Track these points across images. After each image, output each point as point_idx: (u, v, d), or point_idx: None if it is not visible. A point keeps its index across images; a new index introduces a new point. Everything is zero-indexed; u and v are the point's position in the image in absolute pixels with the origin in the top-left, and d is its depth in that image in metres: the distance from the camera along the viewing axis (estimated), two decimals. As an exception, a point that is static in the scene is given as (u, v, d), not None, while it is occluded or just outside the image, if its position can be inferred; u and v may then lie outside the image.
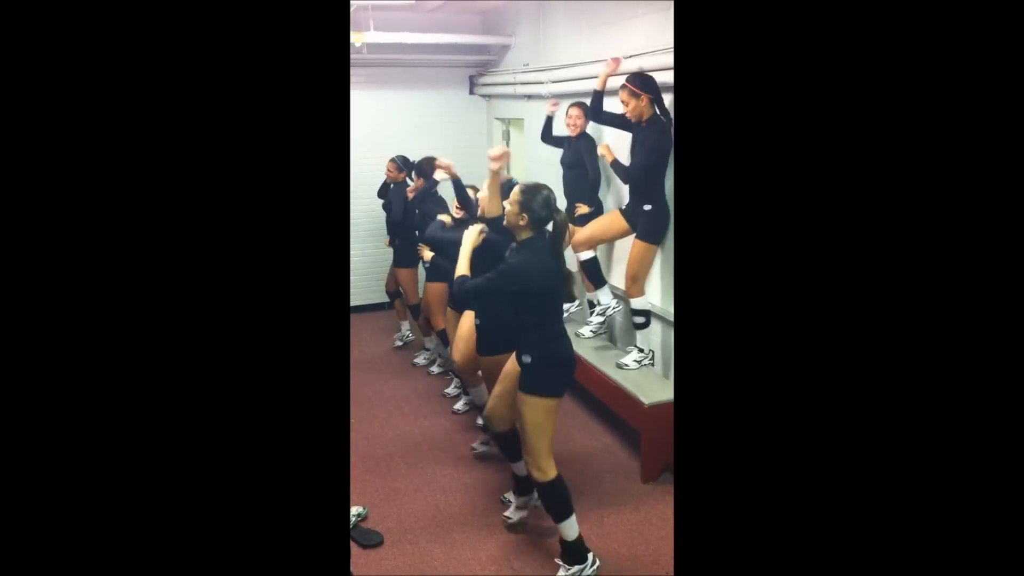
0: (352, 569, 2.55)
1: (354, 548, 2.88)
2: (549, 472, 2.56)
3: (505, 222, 2.56)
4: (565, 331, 2.63)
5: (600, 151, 3.69)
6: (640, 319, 3.66)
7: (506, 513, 3.08)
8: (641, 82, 3.28)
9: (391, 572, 2.77)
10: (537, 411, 2.52)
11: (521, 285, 2.46)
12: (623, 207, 3.64)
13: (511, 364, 2.76)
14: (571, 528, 2.61)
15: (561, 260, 2.56)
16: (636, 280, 3.56)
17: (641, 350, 3.70)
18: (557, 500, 2.59)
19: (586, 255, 3.85)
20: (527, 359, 2.54)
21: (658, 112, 3.32)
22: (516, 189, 2.52)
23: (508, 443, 2.97)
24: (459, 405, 4.27)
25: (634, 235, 3.54)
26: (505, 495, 3.22)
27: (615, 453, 3.70)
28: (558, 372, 2.57)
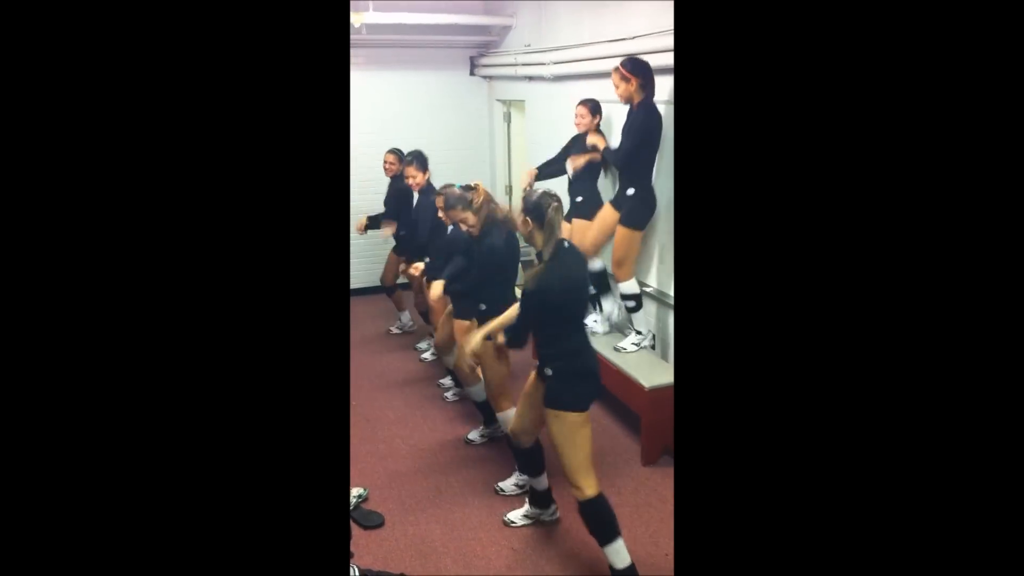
0: (353, 550, 2.57)
1: (355, 529, 2.90)
2: (587, 490, 2.42)
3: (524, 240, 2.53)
4: (589, 342, 2.54)
5: (592, 142, 3.67)
6: (630, 303, 3.66)
7: (509, 516, 3.01)
8: (632, 66, 3.30)
9: (391, 553, 2.80)
10: (564, 426, 2.41)
11: (546, 298, 2.37)
12: (612, 198, 3.64)
13: (531, 380, 2.67)
14: (619, 554, 2.44)
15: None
16: (621, 264, 3.56)
17: (639, 332, 3.70)
18: (599, 520, 2.45)
19: (596, 265, 3.76)
20: (549, 372, 2.46)
21: (647, 96, 3.33)
22: (520, 205, 2.45)
23: (530, 458, 2.86)
24: (449, 395, 4.27)
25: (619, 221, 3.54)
26: (500, 485, 3.22)
27: (615, 436, 3.71)
28: (582, 385, 2.46)
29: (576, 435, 2.41)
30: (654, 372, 3.45)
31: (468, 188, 3.13)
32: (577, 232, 3.86)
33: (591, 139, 3.69)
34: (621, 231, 3.52)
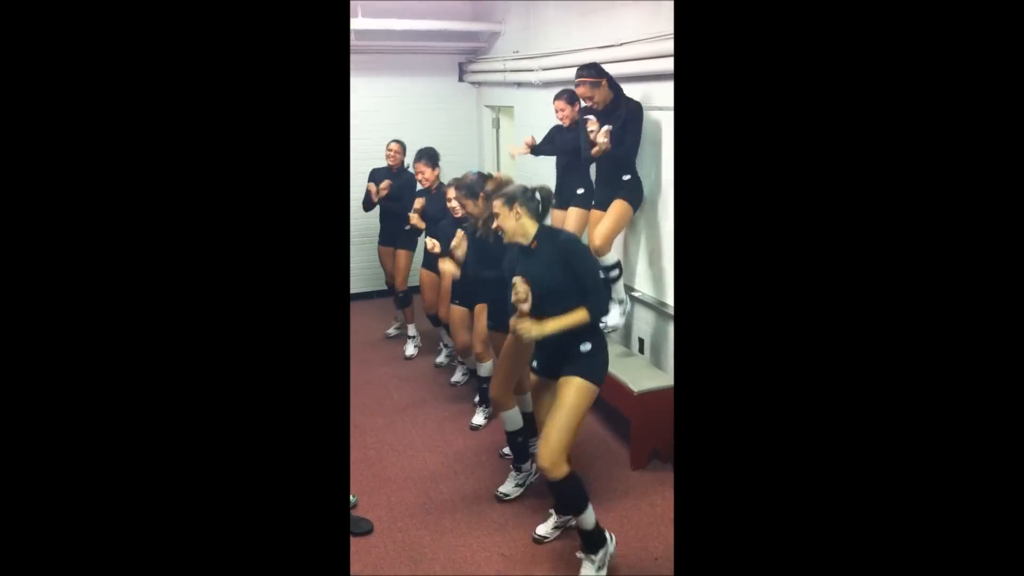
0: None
1: (344, 536, 2.89)
2: (563, 467, 2.48)
3: (506, 238, 2.56)
4: None
5: (594, 138, 3.64)
6: (615, 272, 3.61)
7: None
8: (596, 70, 3.37)
9: (381, 560, 2.78)
10: (583, 395, 2.51)
11: (588, 263, 2.54)
12: (594, 201, 3.67)
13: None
14: (589, 517, 2.57)
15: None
16: (608, 237, 3.51)
17: (621, 301, 3.65)
18: (574, 494, 2.54)
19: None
20: (587, 347, 2.54)
21: (619, 90, 3.40)
22: (497, 200, 2.53)
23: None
24: (457, 376, 4.47)
25: (617, 199, 3.53)
26: (501, 490, 3.21)
27: (604, 440, 3.71)
28: (605, 358, 2.62)
29: (585, 409, 2.55)
30: (643, 376, 3.46)
31: (485, 177, 3.26)
32: (570, 222, 3.85)
33: (594, 134, 3.61)
34: (621, 204, 3.51)
